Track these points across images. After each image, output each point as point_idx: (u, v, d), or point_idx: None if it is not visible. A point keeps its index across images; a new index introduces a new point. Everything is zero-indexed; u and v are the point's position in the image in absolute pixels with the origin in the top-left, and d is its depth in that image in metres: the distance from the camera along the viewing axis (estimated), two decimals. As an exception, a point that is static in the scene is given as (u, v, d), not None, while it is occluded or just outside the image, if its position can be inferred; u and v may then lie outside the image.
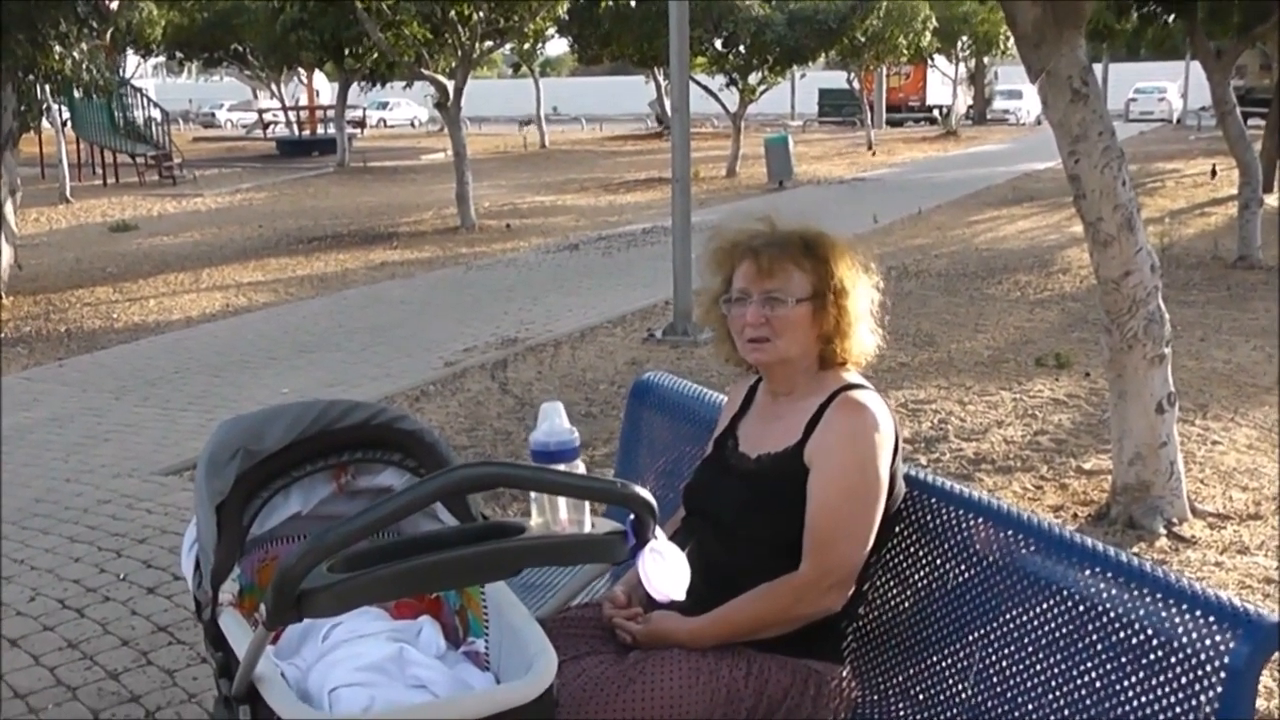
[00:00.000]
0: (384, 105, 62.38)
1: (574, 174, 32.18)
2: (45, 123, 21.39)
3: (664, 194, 23.31)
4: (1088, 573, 2.61)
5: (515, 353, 10.64)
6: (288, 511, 2.87)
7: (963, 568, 2.92)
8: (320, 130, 44.88)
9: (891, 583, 3.09)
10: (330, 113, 42.30)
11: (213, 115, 66.44)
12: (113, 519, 6.73)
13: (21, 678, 4.81)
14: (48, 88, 15.91)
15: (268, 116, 50.29)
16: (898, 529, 3.05)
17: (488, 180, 27.76)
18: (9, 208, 14.53)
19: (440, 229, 20.76)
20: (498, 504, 6.30)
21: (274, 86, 47.58)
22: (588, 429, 7.65)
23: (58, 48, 14.29)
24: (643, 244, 17.96)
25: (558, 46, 66.84)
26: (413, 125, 63.55)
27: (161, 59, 51.64)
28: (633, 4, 22.43)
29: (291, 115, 47.40)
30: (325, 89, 49.17)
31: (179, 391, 9.78)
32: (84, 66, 15.11)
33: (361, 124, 49.90)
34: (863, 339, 3.01)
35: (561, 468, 2.27)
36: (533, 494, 2.27)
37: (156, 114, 33.39)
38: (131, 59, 44.77)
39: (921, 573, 3.04)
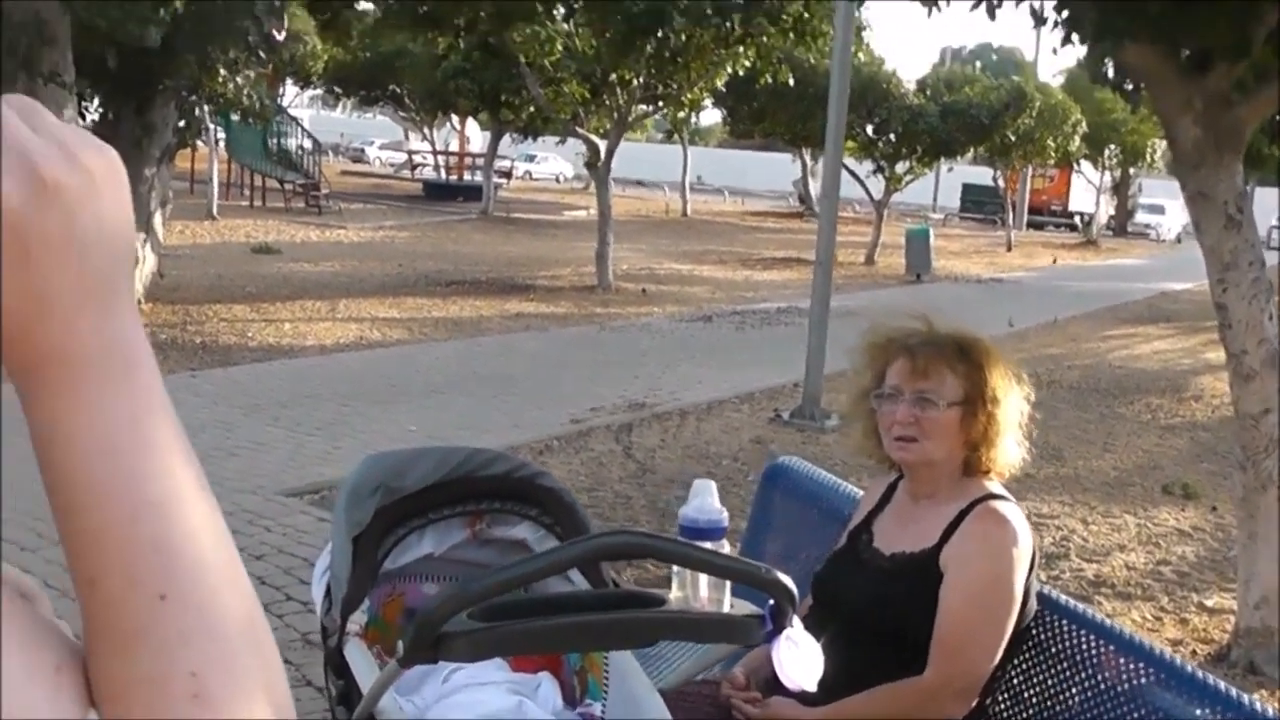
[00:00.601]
0: (531, 158, 62.94)
1: (713, 245, 32.28)
2: (200, 141, 22.00)
3: (801, 274, 23.34)
4: (1210, 713, 2.57)
5: (641, 418, 10.67)
6: (421, 551, 2.93)
7: (1084, 692, 2.88)
8: (467, 176, 45.45)
9: (1011, 699, 3.05)
10: (478, 160, 42.86)
11: (363, 151, 67.31)
12: (234, 532, 6.78)
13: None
14: (208, 108, 16.35)
15: (417, 158, 51.06)
16: (1024, 645, 3.02)
17: (628, 243, 27.95)
18: (158, 218, 14.92)
19: (577, 286, 20.94)
20: (612, 567, 6.31)
21: (426, 129, 48.26)
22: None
23: (223, 72, 14.74)
24: (776, 323, 17.93)
25: (709, 116, 67.08)
26: (557, 180, 64.03)
27: (319, 91, 52.72)
28: (790, 83, 22.44)
29: (440, 159, 48.05)
30: (476, 136, 49.78)
31: (308, 416, 9.94)
32: (245, 92, 15.54)
33: (508, 174, 50.37)
34: (1009, 450, 3.00)
35: (708, 545, 2.29)
36: (675, 568, 2.30)
37: (308, 144, 34.08)
38: (290, 88, 45.74)
39: (1042, 692, 3.00)
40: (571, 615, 2.12)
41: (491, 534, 2.98)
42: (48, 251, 0.70)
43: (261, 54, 15.44)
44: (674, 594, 2.30)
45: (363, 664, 2.52)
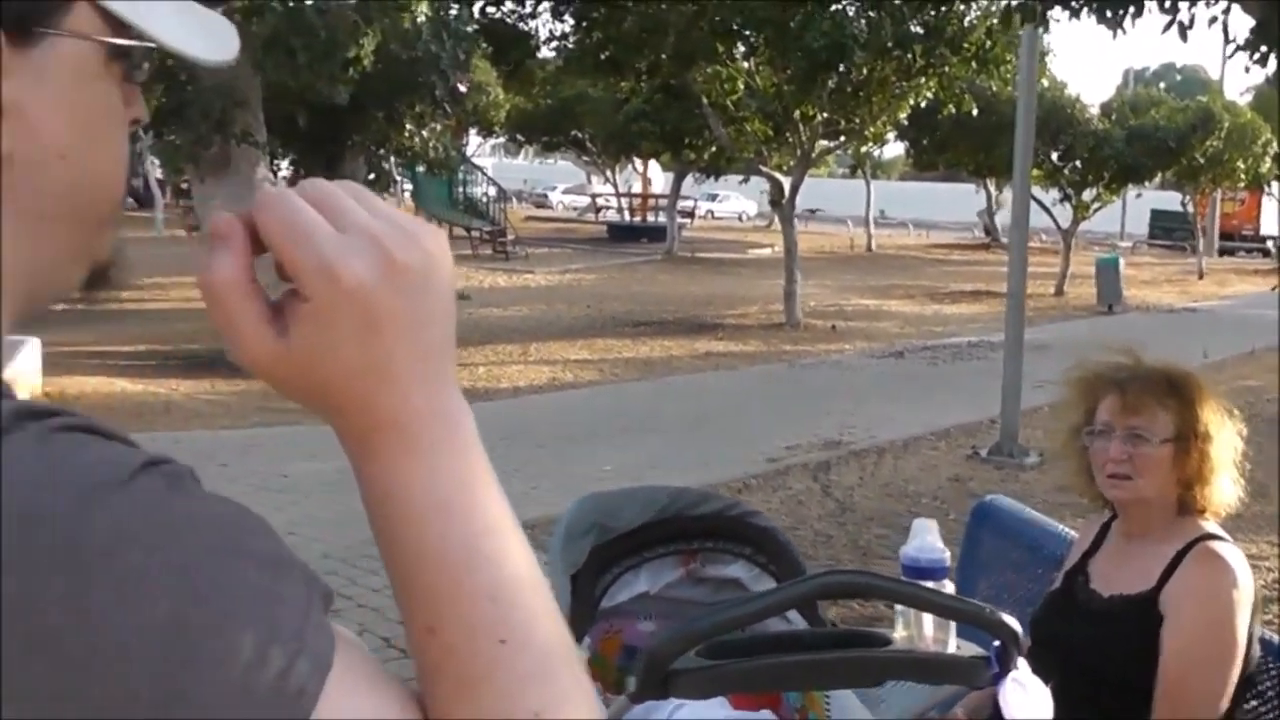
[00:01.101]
0: (713, 197, 62.87)
1: (899, 280, 31.95)
2: (388, 193, 22.57)
3: (991, 307, 23.01)
4: None
5: (838, 455, 10.60)
6: (637, 589, 2.97)
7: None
8: (650, 217, 45.69)
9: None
10: (661, 201, 43.11)
11: (546, 196, 67.67)
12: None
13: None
14: (396, 161, 16.80)
15: (600, 201, 51.49)
16: (1249, 693, 2.95)
17: (813, 279, 27.77)
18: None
19: (765, 324, 20.95)
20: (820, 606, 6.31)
21: (608, 172, 48.62)
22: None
23: (410, 126, 15.12)
24: (968, 357, 17.67)
25: (892, 149, 66.29)
26: (740, 219, 63.78)
27: (502, 140, 53.51)
28: (973, 113, 22.22)
29: (624, 201, 48.38)
30: (658, 177, 50.04)
31: (504, 458, 10.07)
32: (431, 144, 15.92)
33: (691, 214, 50.46)
34: (1224, 488, 2.94)
35: (930, 585, 2.32)
36: (899, 607, 2.33)
37: (493, 191, 34.65)
38: (473, 138, 46.48)
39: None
40: (798, 654, 2.16)
41: (705, 573, 3.02)
42: (396, 327, 0.78)
43: (447, 107, 15.83)
44: (899, 633, 2.31)
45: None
